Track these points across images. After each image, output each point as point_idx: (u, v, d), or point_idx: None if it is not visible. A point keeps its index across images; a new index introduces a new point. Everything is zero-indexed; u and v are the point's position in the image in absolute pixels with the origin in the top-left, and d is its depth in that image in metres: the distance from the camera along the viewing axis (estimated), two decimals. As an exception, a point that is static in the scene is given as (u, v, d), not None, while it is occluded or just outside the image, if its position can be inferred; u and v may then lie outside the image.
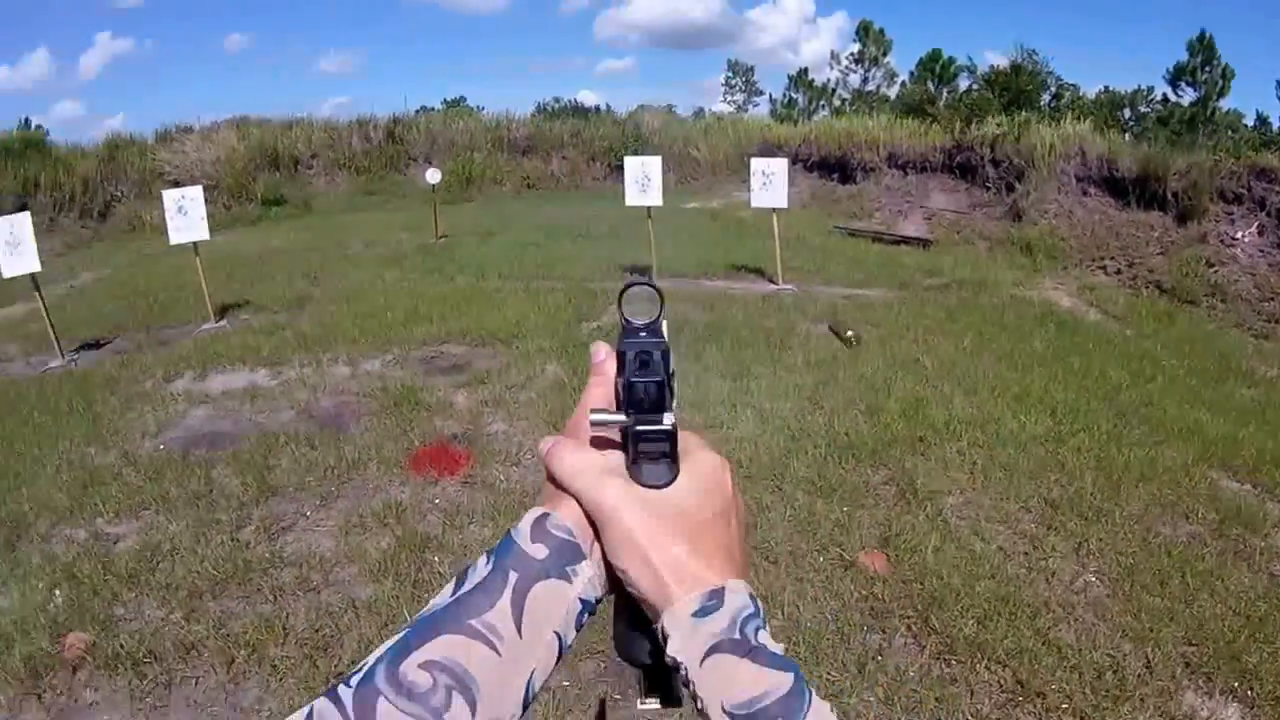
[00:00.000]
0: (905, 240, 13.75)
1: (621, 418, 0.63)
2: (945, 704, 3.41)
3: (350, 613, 4.10)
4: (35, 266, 8.20)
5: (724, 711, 0.54)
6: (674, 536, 0.60)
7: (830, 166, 18.44)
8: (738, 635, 0.55)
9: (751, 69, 51.77)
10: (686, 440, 0.65)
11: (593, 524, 0.61)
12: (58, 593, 4.27)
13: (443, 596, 0.59)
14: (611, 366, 0.69)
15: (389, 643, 0.55)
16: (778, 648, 0.56)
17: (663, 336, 0.70)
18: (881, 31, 44.32)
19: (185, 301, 9.87)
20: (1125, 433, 5.91)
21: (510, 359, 7.36)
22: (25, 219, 8.30)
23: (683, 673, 0.57)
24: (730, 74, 51.60)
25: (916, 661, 3.66)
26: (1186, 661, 3.68)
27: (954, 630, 3.82)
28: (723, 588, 0.58)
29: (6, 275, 8.36)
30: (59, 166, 17.44)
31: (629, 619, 0.65)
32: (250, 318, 9.24)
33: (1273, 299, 10.12)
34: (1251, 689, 3.50)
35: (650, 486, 0.61)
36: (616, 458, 0.64)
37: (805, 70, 47.17)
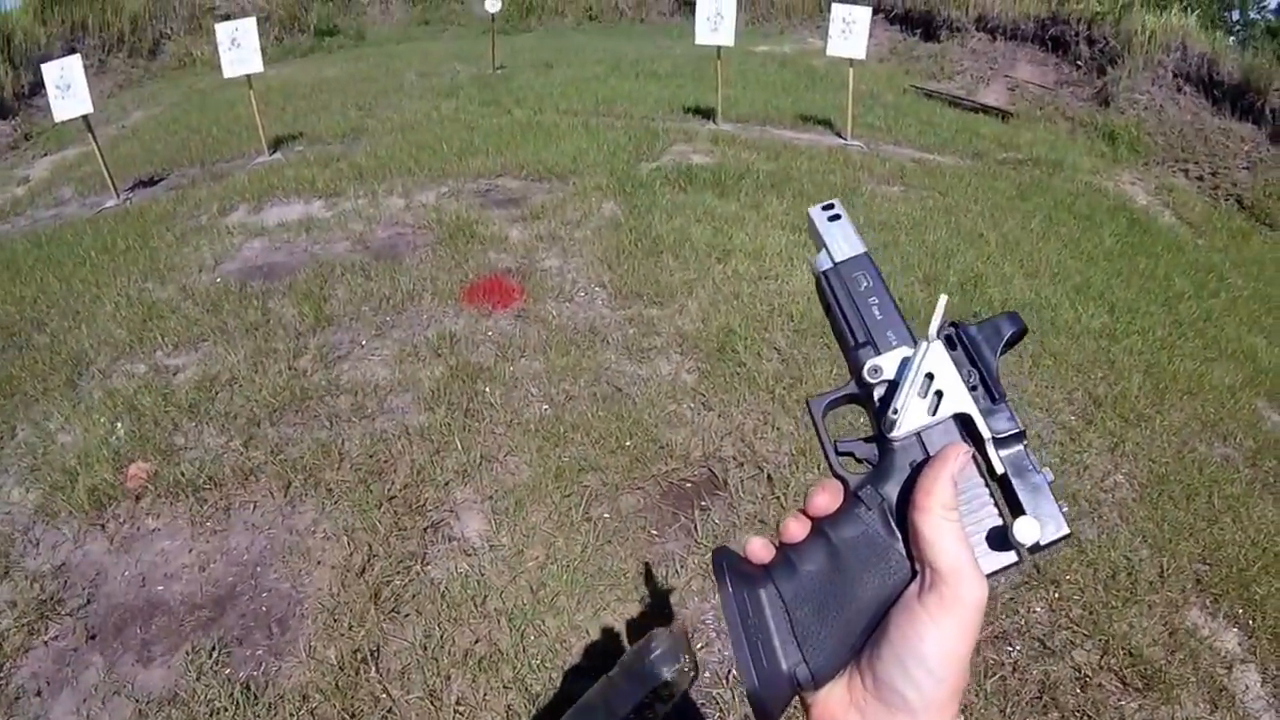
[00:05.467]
0: (984, 109, 12.81)
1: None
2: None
3: (404, 439, 4.14)
4: (87, 108, 8.03)
5: None
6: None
7: (914, 22, 17.02)
8: None
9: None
10: None
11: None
12: (120, 425, 4.33)
13: None
14: None
15: None
16: None
17: None
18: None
19: (239, 135, 9.71)
20: (1179, 343, 5.72)
21: (566, 195, 7.14)
22: (75, 62, 8.11)
23: None
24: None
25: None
26: (1198, 579, 3.73)
27: (980, 509, 3.84)
28: None
29: (59, 119, 8.26)
30: (106, 7, 17.03)
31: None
32: (304, 150, 9.05)
33: (1357, 236, 9.43)
34: (1254, 619, 3.54)
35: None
36: None
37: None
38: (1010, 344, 0.66)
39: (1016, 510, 0.61)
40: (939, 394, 0.64)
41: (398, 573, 3.45)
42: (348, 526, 3.64)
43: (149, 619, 3.32)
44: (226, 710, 2.92)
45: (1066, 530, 0.60)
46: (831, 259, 0.71)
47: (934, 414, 0.64)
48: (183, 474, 3.92)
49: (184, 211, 7.31)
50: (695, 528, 3.71)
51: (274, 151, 9.02)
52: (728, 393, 4.54)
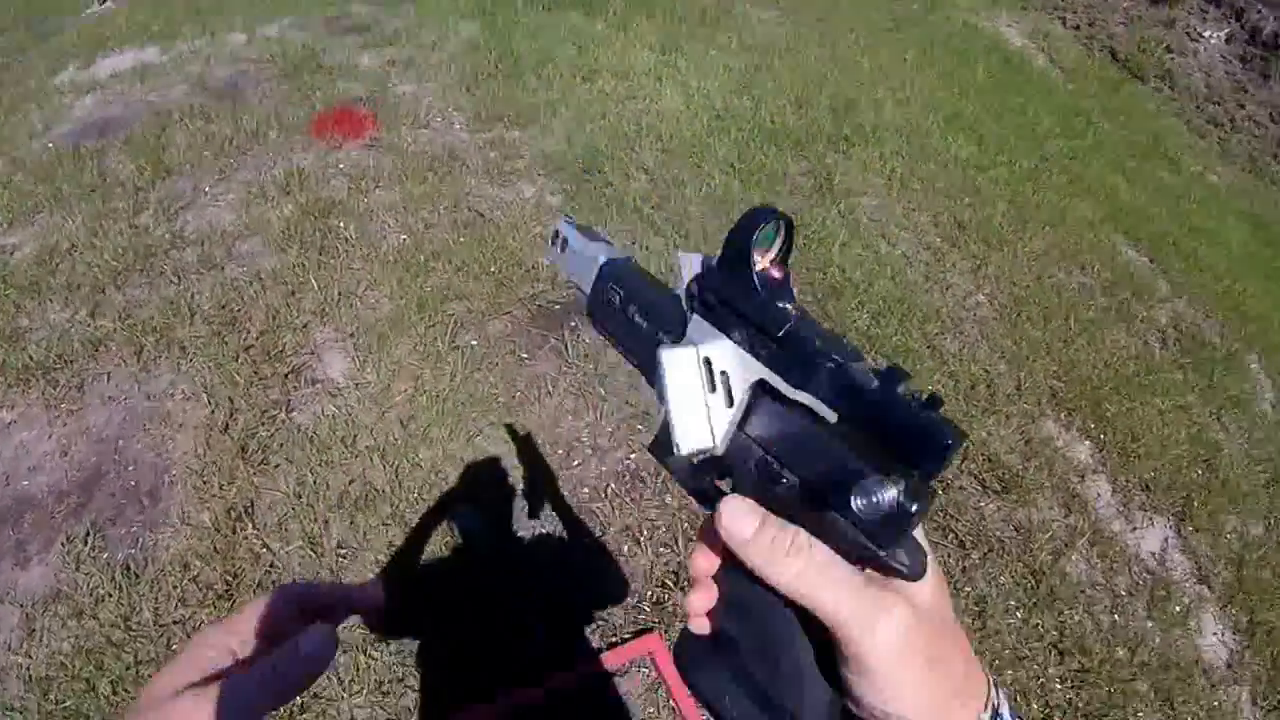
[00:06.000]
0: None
1: None
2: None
3: (256, 284, 3.97)
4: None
5: None
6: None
7: None
8: None
9: None
10: None
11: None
12: (-41, 320, 4.04)
13: None
14: None
15: None
16: None
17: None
18: None
19: (66, -13, 8.93)
20: (1044, 178, 5.92)
21: (421, 18, 6.81)
22: None
23: None
24: None
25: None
26: (1054, 393, 4.01)
27: (848, 321, 4.07)
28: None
29: None
30: None
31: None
32: (138, -6, 8.34)
33: (1219, 103, 9.44)
34: (1104, 434, 3.84)
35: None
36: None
37: None
38: (786, 248, 0.54)
39: (896, 443, 0.47)
40: (724, 375, 0.53)
41: (262, 424, 3.33)
42: (206, 383, 3.48)
43: (19, 518, 3.15)
44: (110, 595, 2.82)
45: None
46: (585, 294, 0.64)
47: (732, 403, 0.54)
48: (31, 357, 3.68)
49: (9, 79, 6.70)
50: (566, 348, 3.70)
51: (105, 2, 8.31)
52: (594, 213, 4.49)
